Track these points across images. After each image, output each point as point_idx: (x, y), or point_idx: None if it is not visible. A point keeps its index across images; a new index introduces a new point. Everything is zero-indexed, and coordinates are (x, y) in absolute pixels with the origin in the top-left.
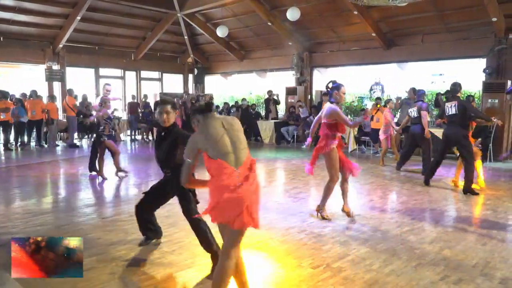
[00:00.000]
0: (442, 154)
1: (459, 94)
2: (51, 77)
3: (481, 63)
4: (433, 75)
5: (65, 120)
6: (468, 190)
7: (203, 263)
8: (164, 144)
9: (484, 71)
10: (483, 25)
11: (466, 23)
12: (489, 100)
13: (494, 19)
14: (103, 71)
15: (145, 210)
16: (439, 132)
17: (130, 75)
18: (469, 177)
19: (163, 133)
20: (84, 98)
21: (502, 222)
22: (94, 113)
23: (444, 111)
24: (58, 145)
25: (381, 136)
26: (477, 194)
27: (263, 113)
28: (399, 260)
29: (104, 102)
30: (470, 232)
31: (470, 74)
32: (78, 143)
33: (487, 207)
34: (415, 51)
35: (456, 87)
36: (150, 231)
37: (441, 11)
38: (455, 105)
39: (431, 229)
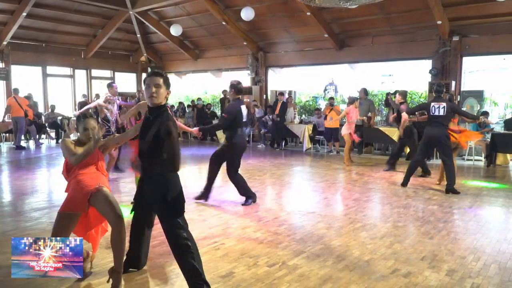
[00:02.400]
0: (424, 154)
1: (443, 95)
2: None
3: (427, 64)
4: (382, 76)
5: (9, 120)
6: (451, 190)
7: (156, 264)
8: (149, 133)
9: (430, 72)
10: (429, 28)
11: (412, 26)
12: None
13: (439, 22)
14: (51, 69)
15: (138, 230)
16: (388, 131)
17: (80, 73)
18: (451, 177)
19: (151, 117)
20: (28, 97)
21: (448, 216)
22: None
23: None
24: None
25: (346, 132)
26: (458, 193)
27: (218, 112)
28: (351, 255)
29: (109, 102)
30: (418, 226)
31: (417, 75)
32: (24, 145)
33: (434, 202)
34: (365, 52)
35: (441, 88)
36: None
37: (388, 14)
38: (443, 107)
39: (382, 224)
